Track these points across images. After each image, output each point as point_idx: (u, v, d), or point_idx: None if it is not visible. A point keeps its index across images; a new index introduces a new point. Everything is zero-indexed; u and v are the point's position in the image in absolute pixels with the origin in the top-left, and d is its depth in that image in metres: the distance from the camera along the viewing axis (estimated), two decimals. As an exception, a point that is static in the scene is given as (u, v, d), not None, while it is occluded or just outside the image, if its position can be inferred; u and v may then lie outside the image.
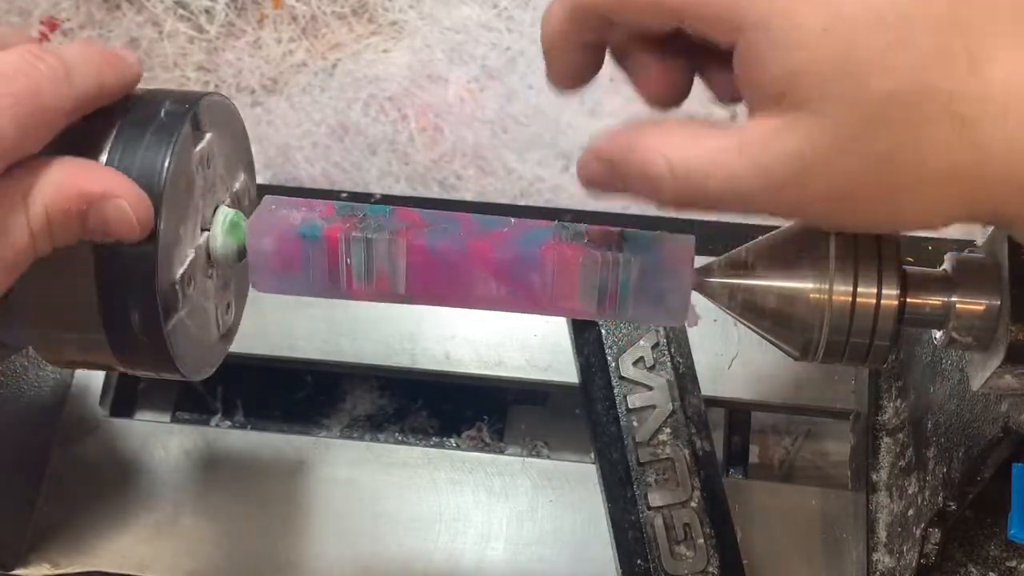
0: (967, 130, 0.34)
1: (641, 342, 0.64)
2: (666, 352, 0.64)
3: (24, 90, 0.38)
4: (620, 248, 0.43)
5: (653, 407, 0.63)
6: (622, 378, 0.63)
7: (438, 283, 0.44)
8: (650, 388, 0.63)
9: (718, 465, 0.63)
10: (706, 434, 0.63)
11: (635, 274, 0.43)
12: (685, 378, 0.63)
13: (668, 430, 0.62)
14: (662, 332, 0.64)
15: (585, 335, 0.65)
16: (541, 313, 0.44)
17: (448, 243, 0.43)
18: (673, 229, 0.45)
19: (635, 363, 0.63)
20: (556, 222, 0.45)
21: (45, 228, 0.40)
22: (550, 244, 0.43)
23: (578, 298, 0.44)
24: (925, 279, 0.43)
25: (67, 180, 0.40)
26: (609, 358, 0.64)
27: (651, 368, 0.64)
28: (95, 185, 0.40)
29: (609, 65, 0.42)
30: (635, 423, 0.63)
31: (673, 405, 0.63)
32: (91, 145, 0.42)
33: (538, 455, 0.72)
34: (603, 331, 0.64)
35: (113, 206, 0.40)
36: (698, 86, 0.43)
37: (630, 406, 0.63)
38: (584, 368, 0.65)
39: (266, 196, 0.47)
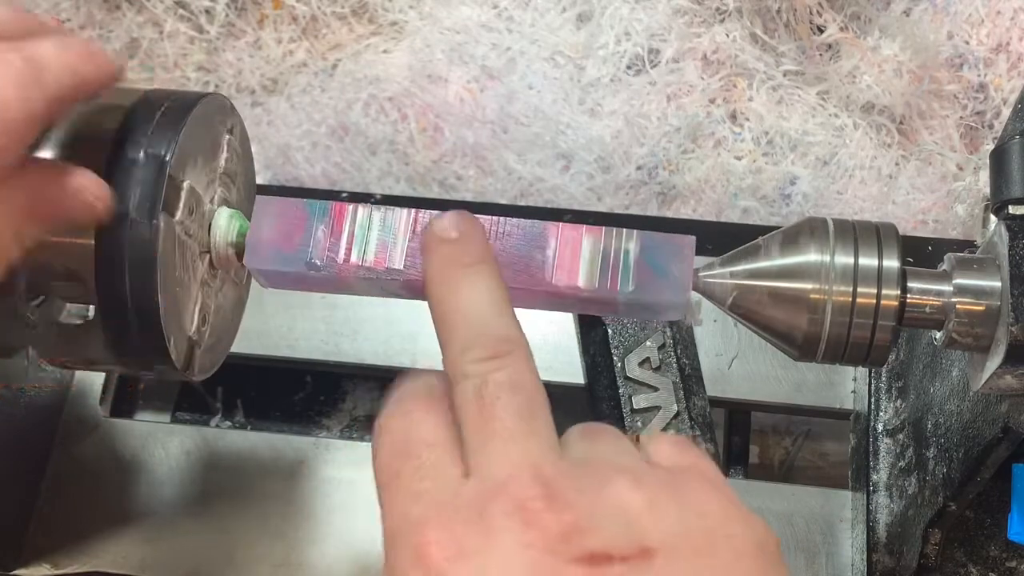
0: None
1: (648, 343, 0.64)
2: (672, 353, 0.63)
3: None
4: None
5: (658, 408, 0.63)
6: (627, 378, 0.63)
7: None
8: (655, 389, 0.63)
9: (722, 467, 0.63)
10: (711, 436, 0.63)
11: (637, 247, 0.44)
12: (691, 380, 0.63)
13: (673, 431, 0.62)
14: (668, 333, 0.64)
15: (591, 335, 0.65)
16: (541, 293, 0.44)
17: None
18: (673, 230, 0.45)
19: (641, 364, 0.63)
20: None
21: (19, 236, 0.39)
22: (555, 223, 0.45)
23: (580, 272, 0.44)
24: (925, 279, 0.43)
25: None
26: (615, 358, 0.64)
27: (657, 369, 0.63)
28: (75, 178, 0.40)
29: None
30: (640, 423, 0.62)
31: (678, 406, 0.63)
32: (95, 142, 0.42)
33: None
34: (609, 331, 0.64)
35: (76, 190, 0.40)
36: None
37: (635, 406, 0.63)
38: (590, 368, 0.65)
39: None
